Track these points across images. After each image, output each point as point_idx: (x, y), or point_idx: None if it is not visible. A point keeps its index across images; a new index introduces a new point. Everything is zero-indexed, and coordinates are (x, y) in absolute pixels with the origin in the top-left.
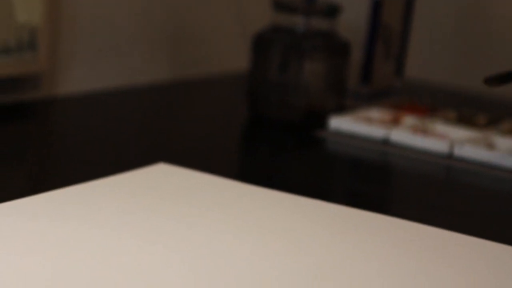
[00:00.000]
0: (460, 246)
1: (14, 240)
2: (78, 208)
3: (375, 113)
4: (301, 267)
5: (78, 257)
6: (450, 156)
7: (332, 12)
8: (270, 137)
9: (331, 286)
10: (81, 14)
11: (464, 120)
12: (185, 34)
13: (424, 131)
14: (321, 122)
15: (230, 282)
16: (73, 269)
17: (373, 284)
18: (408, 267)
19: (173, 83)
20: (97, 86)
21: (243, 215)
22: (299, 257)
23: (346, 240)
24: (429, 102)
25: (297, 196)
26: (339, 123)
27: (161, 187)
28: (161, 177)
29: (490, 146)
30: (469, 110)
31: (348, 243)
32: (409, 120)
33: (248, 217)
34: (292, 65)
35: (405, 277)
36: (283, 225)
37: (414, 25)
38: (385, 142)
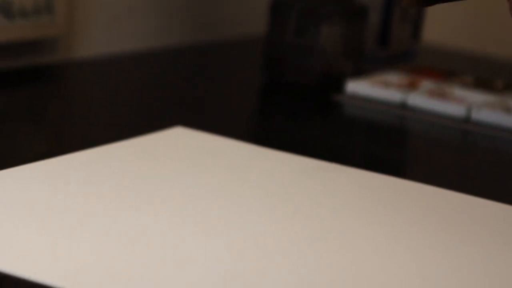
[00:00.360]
0: (477, 209)
1: (33, 203)
2: (95, 171)
3: (392, 77)
4: (315, 230)
5: (95, 219)
6: (467, 120)
7: None
8: (287, 101)
9: (346, 250)
10: None
11: (482, 84)
12: None
13: (442, 95)
14: (338, 86)
15: (244, 243)
16: (90, 231)
17: (387, 247)
18: (424, 230)
19: (189, 47)
20: (113, 49)
21: (259, 178)
22: (313, 220)
23: (362, 203)
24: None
25: (314, 160)
26: (356, 87)
27: (178, 151)
28: (178, 141)
29: (508, 110)
30: (486, 74)
31: (364, 206)
32: (426, 84)
33: (264, 180)
34: (309, 29)
35: (420, 239)
36: (299, 188)
37: None
38: (402, 106)
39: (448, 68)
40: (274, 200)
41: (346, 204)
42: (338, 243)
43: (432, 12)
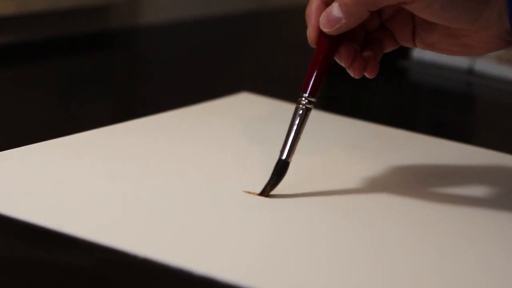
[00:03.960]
0: None
1: (102, 165)
2: (163, 135)
3: None
4: (377, 192)
5: (158, 181)
6: None
7: None
8: None
9: (411, 212)
10: None
11: None
12: None
13: (510, 61)
14: (404, 52)
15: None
16: (157, 188)
17: (455, 210)
18: (493, 195)
19: (257, 12)
20: (181, 15)
21: (324, 143)
22: (378, 181)
23: (430, 168)
24: None
25: (380, 126)
26: (422, 53)
27: (243, 116)
28: (244, 106)
29: None
30: None
31: (431, 172)
32: None
33: (330, 145)
34: None
35: (490, 204)
36: (366, 154)
37: None
38: (470, 72)
39: None
40: (341, 164)
41: (413, 169)
42: (407, 206)
43: None
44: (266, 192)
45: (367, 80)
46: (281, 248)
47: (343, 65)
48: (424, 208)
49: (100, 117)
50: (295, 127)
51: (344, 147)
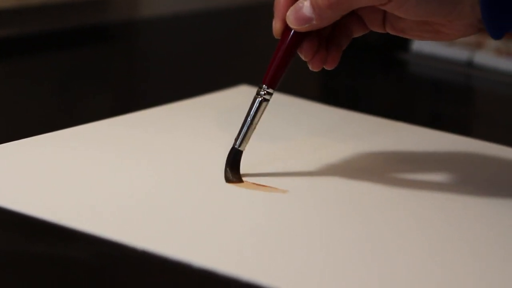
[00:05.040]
0: None
1: (100, 158)
2: (161, 128)
3: None
4: (378, 186)
5: (156, 176)
6: None
7: None
8: (352, 59)
9: (413, 205)
10: None
11: None
12: None
13: (509, 54)
14: (404, 44)
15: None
16: (147, 179)
17: (455, 203)
18: (492, 187)
19: (256, 5)
20: (180, 8)
21: (324, 136)
22: (375, 176)
23: (429, 161)
24: None
25: (379, 118)
26: (421, 45)
27: (242, 109)
28: (242, 99)
29: None
30: None
31: (431, 164)
32: (493, 42)
33: (329, 138)
34: None
35: (490, 198)
36: (363, 146)
37: None
38: (469, 64)
39: None
40: (336, 156)
41: (413, 162)
42: (405, 199)
43: None
44: (228, 179)
45: (366, 72)
46: (279, 239)
47: (303, 58)
48: (418, 199)
49: (99, 110)
50: (249, 118)
51: (343, 140)
